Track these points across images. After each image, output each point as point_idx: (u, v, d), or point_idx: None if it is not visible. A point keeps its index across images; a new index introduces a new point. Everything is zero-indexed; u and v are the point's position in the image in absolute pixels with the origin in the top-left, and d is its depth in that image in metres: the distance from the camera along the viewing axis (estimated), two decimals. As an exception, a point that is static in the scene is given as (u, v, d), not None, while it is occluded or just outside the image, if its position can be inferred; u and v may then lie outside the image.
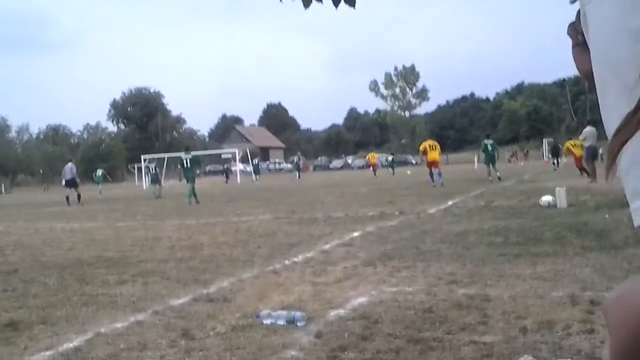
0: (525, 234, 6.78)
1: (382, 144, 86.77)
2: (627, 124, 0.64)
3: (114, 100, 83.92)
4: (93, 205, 19.85)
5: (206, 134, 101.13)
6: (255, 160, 42.59)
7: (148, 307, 4.26)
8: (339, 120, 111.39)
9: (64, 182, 21.26)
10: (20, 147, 75.51)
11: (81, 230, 10.75)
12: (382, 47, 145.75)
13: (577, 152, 19.06)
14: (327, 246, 6.83)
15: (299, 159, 41.33)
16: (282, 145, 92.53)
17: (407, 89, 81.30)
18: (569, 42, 0.91)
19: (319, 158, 78.37)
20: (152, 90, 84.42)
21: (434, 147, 18.99)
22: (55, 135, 78.75)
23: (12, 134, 76.61)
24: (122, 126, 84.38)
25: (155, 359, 3.15)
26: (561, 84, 77.79)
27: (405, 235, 7.38)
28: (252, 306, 4.09)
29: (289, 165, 58.86)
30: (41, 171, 63.71)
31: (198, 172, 29.85)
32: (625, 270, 4.45)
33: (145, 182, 33.86)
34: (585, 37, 0.78)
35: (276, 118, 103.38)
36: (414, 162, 58.52)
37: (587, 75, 0.80)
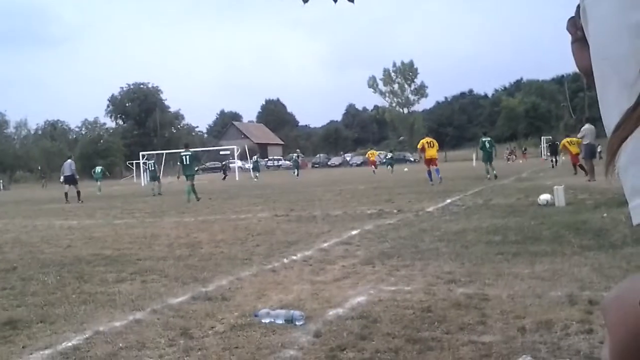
0: (523, 232, 6.78)
1: (381, 141, 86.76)
2: (626, 120, 0.63)
3: (112, 96, 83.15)
4: (91, 202, 19.84)
5: (204, 130, 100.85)
6: (255, 157, 42.41)
7: (147, 305, 4.26)
8: (338, 116, 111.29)
9: (62, 178, 21.10)
10: (18, 143, 74.82)
11: (79, 227, 10.74)
12: (381, 43, 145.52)
13: (574, 149, 19.11)
14: (325, 244, 6.83)
15: (298, 157, 41.33)
16: (281, 142, 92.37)
17: (406, 85, 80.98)
18: (568, 37, 0.89)
19: (318, 155, 77.90)
20: (150, 86, 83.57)
21: (431, 144, 19.09)
22: (54, 130, 78.15)
23: (10, 129, 75.84)
24: (120, 122, 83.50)
25: (154, 358, 3.15)
26: (560, 80, 77.59)
27: (404, 233, 7.39)
28: (250, 305, 4.09)
29: (288, 162, 58.78)
30: (39, 167, 63.31)
31: (197, 169, 29.77)
32: (623, 270, 4.45)
33: (144, 178, 33.85)
34: (585, 32, 0.77)
35: (274, 114, 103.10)
36: (412, 159, 58.47)
37: (586, 71, 0.78)
